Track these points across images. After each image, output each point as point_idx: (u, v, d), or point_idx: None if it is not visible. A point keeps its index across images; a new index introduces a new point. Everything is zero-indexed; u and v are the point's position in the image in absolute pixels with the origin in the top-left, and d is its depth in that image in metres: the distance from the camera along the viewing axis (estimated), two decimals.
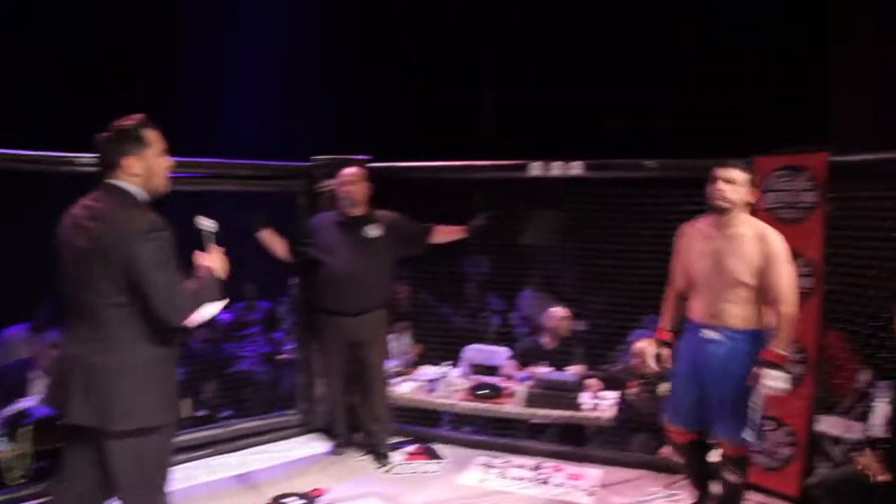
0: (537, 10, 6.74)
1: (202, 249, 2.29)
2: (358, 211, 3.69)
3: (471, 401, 4.02)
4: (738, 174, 2.82)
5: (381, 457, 3.75)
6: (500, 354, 4.71)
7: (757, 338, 2.85)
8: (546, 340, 4.50)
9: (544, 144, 4.13)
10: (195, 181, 3.56)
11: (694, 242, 2.98)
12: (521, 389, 4.00)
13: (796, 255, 3.35)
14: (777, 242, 2.80)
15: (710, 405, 2.91)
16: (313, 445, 3.94)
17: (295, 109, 6.84)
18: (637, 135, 5.67)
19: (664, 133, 5.96)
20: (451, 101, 6.94)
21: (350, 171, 3.67)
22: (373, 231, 3.70)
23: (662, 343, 3.12)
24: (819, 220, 3.30)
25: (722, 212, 2.84)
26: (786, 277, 2.80)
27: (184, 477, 3.31)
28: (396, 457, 3.81)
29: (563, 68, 6.59)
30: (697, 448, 3.10)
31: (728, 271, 2.83)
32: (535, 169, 3.72)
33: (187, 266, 2.23)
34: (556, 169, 3.69)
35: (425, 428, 4.15)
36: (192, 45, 6.56)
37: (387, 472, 3.66)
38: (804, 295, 3.31)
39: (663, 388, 4.06)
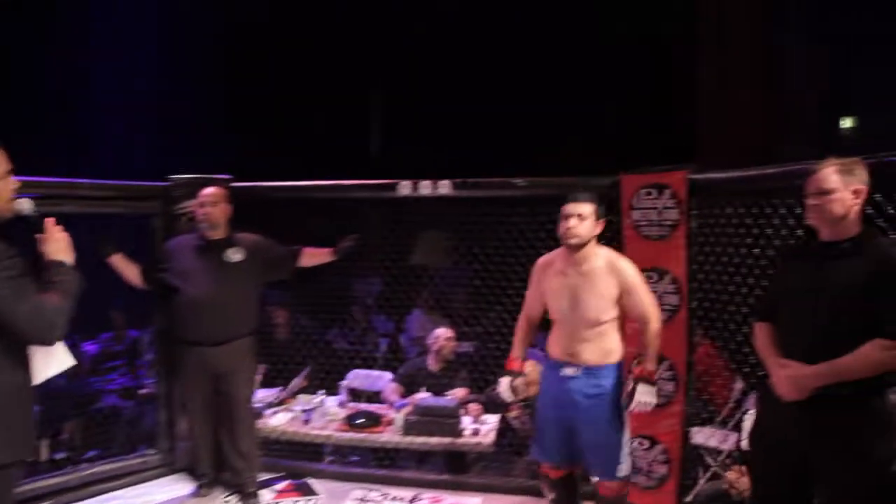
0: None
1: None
2: (218, 234, 3.47)
3: (346, 431, 3.84)
4: (586, 208, 2.79)
5: (247, 497, 3.50)
6: (383, 379, 4.56)
7: (618, 371, 2.84)
8: (430, 363, 4.37)
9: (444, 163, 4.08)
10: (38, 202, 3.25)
11: (549, 279, 2.94)
12: (398, 417, 3.84)
13: (662, 272, 3.39)
14: (629, 270, 2.82)
15: (579, 443, 2.86)
16: (176, 487, 3.64)
17: (167, 128, 6.53)
18: (514, 151, 5.69)
19: (542, 149, 6.00)
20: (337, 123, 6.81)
21: (209, 191, 3.45)
22: (234, 255, 3.47)
23: (516, 374, 3.04)
24: (682, 237, 3.33)
25: (574, 249, 2.81)
26: (646, 298, 2.81)
27: None
28: (266, 495, 3.58)
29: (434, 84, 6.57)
30: (568, 483, 3.03)
31: (585, 309, 2.80)
32: (405, 188, 3.61)
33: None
34: (425, 188, 3.58)
35: (302, 462, 3.93)
36: (56, 60, 6.14)
37: None
38: (670, 312, 3.35)
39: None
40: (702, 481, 3.91)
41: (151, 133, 6.85)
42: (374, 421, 3.90)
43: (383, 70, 7.22)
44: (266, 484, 3.70)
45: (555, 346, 2.91)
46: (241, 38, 6.90)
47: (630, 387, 2.77)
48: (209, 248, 3.45)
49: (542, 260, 3.02)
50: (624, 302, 2.79)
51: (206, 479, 3.62)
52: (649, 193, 3.38)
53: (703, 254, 3.32)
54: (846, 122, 6.28)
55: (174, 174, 3.77)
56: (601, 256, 2.83)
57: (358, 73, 7.23)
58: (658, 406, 3.38)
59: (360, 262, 4.13)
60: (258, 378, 4.57)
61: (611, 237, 3.50)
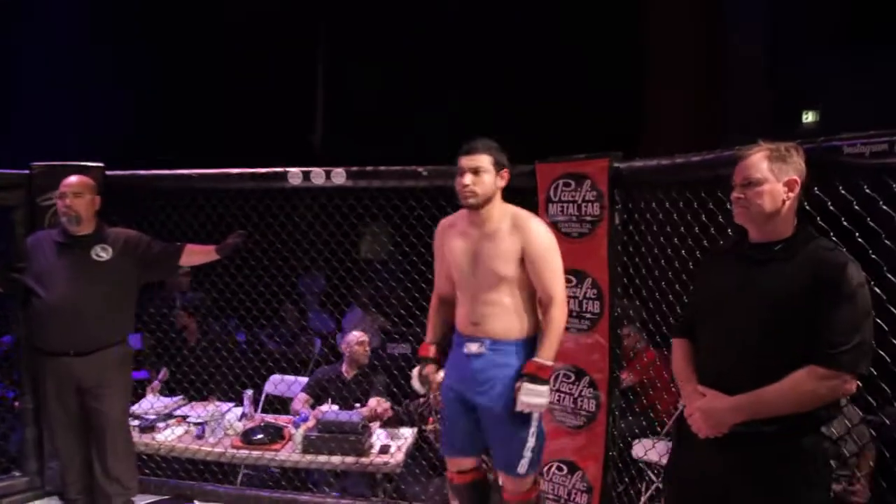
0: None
1: None
2: (83, 229, 3.04)
3: (241, 448, 3.45)
4: (483, 160, 2.39)
5: None
6: (300, 387, 4.17)
7: (528, 349, 2.42)
8: (345, 369, 3.98)
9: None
10: None
11: (450, 241, 2.54)
12: (298, 433, 3.45)
13: (582, 275, 2.99)
14: (537, 231, 2.40)
15: (484, 431, 2.47)
16: None
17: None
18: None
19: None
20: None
21: (70, 180, 3.01)
22: (101, 253, 3.06)
23: (427, 360, 2.64)
24: (604, 235, 2.92)
25: (475, 208, 2.41)
26: (551, 272, 2.40)
27: None
28: None
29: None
30: (477, 489, 2.64)
31: (487, 272, 2.40)
32: (295, 178, 3.19)
33: None
34: (318, 177, 3.17)
35: (195, 483, 3.53)
36: None
37: None
38: (591, 321, 2.95)
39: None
40: (644, 498, 3.57)
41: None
42: (275, 436, 3.52)
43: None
44: None
45: (459, 316, 2.55)
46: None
47: (518, 381, 2.36)
48: (72, 246, 3.03)
49: (443, 222, 2.63)
50: (528, 270, 2.40)
51: None
52: (567, 185, 2.97)
53: (634, 255, 2.93)
54: (808, 116, 5.84)
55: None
56: (508, 214, 2.42)
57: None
58: (577, 427, 3.03)
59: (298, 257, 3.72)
60: (156, 385, 4.20)
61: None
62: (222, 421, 3.63)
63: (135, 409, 3.86)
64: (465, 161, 2.40)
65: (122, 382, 3.14)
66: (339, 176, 3.11)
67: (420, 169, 3.12)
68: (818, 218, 2.05)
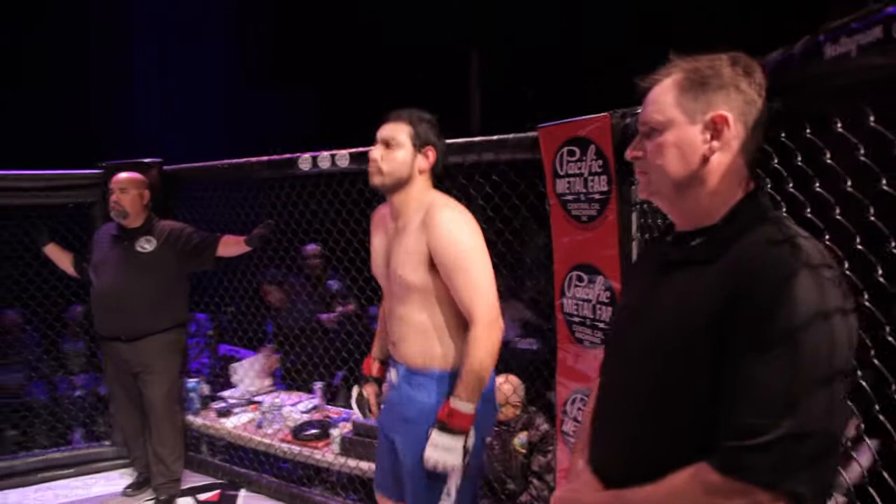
0: None
1: None
2: (132, 222, 3.23)
3: (288, 442, 3.39)
4: (400, 130, 1.92)
5: (160, 502, 3.27)
6: None
7: (450, 383, 1.88)
8: None
9: None
10: None
11: (373, 237, 2.11)
12: (335, 433, 3.28)
13: (592, 271, 2.30)
14: (442, 224, 1.83)
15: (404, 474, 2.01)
16: (116, 482, 3.55)
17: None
18: None
19: None
20: None
21: (118, 177, 3.21)
22: (146, 245, 3.22)
23: (367, 379, 2.24)
24: (615, 218, 2.20)
25: (385, 192, 1.96)
26: (465, 279, 1.82)
27: None
28: (183, 503, 3.31)
29: None
30: None
31: (395, 278, 1.93)
32: (305, 163, 2.98)
33: None
34: (325, 162, 2.92)
35: (250, 471, 3.55)
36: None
37: None
38: (606, 336, 2.25)
39: (518, 441, 3.13)
40: None
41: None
42: (322, 434, 3.39)
43: None
44: (195, 490, 3.44)
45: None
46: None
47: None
48: (122, 238, 3.24)
49: (377, 211, 2.16)
50: (445, 280, 1.86)
51: (138, 479, 3.47)
52: (572, 153, 2.30)
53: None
54: None
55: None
56: (425, 204, 1.90)
57: None
58: None
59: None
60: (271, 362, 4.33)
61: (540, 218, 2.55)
62: (280, 412, 3.61)
63: (228, 393, 4.07)
64: (379, 131, 1.96)
65: (167, 368, 3.29)
66: (343, 159, 2.83)
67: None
68: (791, 184, 1.23)
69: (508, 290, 5.51)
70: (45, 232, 3.41)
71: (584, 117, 2.24)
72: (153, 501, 3.28)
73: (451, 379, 1.88)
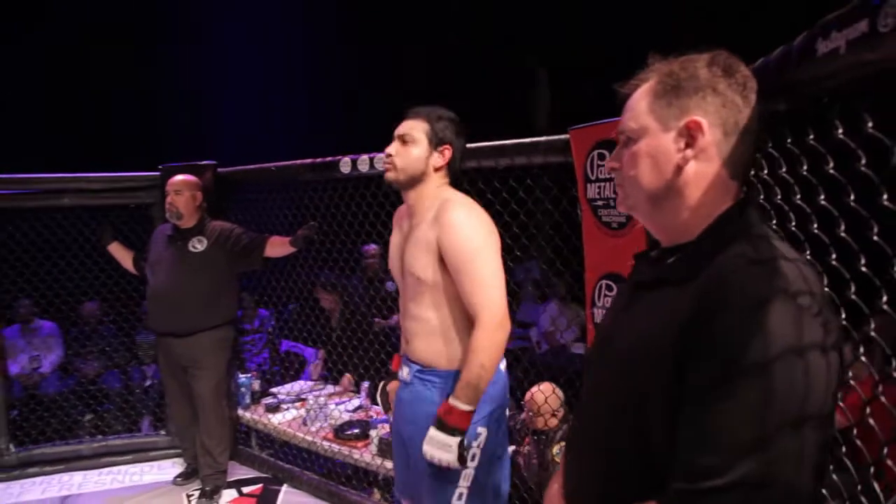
0: None
1: None
2: (185, 223, 3.36)
3: (330, 440, 3.43)
4: (416, 127, 1.91)
5: (204, 494, 3.37)
6: None
7: (456, 382, 1.85)
8: None
9: None
10: (33, 198, 3.60)
11: (392, 235, 2.10)
12: (373, 434, 3.29)
13: (620, 281, 2.19)
14: (452, 221, 1.80)
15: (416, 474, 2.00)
16: (169, 471, 3.70)
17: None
18: None
19: None
20: None
21: (173, 180, 3.35)
22: (198, 245, 3.34)
23: (392, 376, 2.23)
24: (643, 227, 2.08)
25: (399, 188, 1.96)
26: (471, 277, 1.79)
27: (14, 492, 3.35)
28: (227, 496, 3.41)
29: None
30: None
31: (407, 275, 1.92)
32: (345, 166, 3.00)
33: None
34: (364, 165, 2.93)
35: (294, 467, 3.62)
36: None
37: None
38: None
39: (556, 450, 3.04)
40: None
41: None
42: (363, 435, 3.42)
43: None
44: (240, 483, 3.54)
45: None
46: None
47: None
48: (176, 238, 3.37)
49: (398, 210, 2.15)
50: (454, 278, 1.84)
51: (187, 469, 3.61)
52: (602, 157, 2.21)
53: None
54: None
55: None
56: (438, 201, 1.88)
57: None
58: None
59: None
60: (317, 365, 4.41)
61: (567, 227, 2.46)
62: (327, 410, 3.66)
63: (279, 389, 4.18)
64: (398, 128, 1.95)
65: (215, 364, 3.40)
66: (380, 162, 2.83)
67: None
68: (798, 195, 1.12)
69: (569, 292, 5.41)
70: (108, 231, 3.60)
71: (615, 118, 2.14)
72: (199, 492, 3.39)
73: (456, 376, 1.85)
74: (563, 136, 2.36)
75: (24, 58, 5.98)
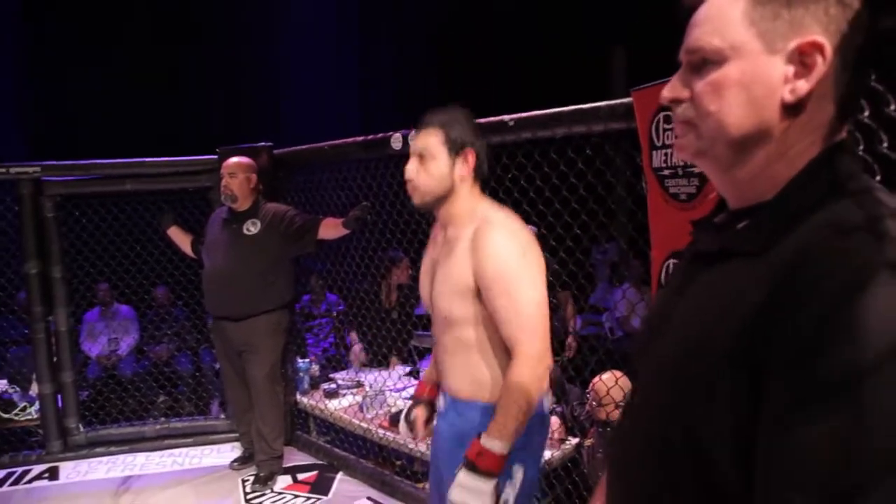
0: None
1: None
2: (240, 206, 3.31)
3: (385, 428, 3.31)
4: (431, 140, 1.70)
5: (259, 480, 3.33)
6: None
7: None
8: None
9: None
10: (96, 183, 3.65)
11: (427, 250, 1.92)
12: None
13: None
14: (490, 245, 1.61)
15: None
16: (226, 455, 3.69)
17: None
18: None
19: None
20: None
21: (227, 163, 3.30)
22: (252, 227, 3.29)
23: (417, 402, 2.02)
24: (717, 196, 1.81)
25: (428, 209, 1.77)
26: (508, 306, 1.60)
27: (81, 470, 3.43)
28: (282, 482, 3.35)
29: None
30: None
31: (436, 298, 1.74)
32: (396, 142, 2.84)
33: None
34: (397, 142, 2.78)
35: (347, 454, 3.53)
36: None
37: (250, 499, 3.23)
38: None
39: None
40: None
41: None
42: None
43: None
44: (296, 469, 3.48)
45: None
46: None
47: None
48: (231, 221, 3.33)
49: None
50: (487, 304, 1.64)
51: (244, 454, 3.58)
52: (670, 120, 1.95)
53: None
54: None
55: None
56: (476, 217, 1.69)
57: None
58: None
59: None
60: (357, 352, 4.32)
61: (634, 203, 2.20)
62: (383, 397, 3.55)
63: (339, 374, 4.11)
64: (412, 145, 1.76)
65: (269, 348, 3.34)
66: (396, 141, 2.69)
67: (507, 118, 2.44)
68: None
69: (641, 276, 5.10)
70: (168, 215, 3.61)
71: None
72: (254, 477, 3.36)
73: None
74: (625, 101, 2.11)
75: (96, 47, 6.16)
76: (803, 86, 0.69)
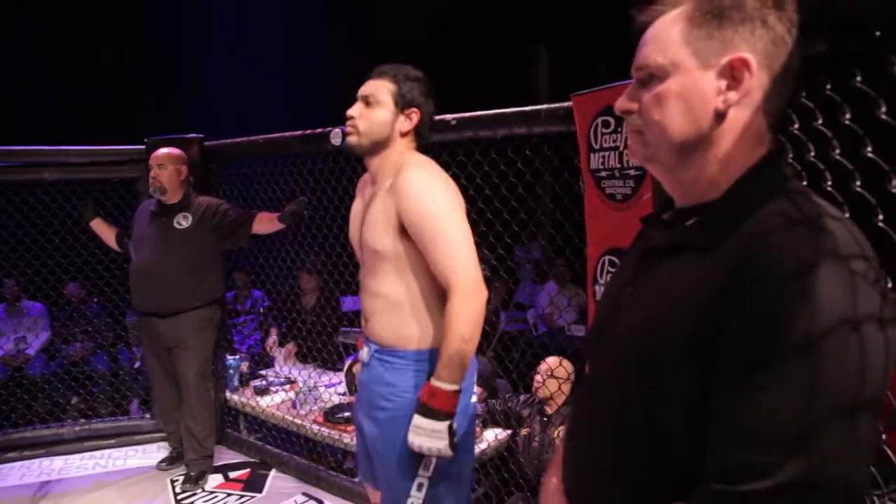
0: None
1: None
2: (169, 198, 3.21)
3: (319, 424, 3.31)
4: (381, 87, 1.75)
5: (189, 479, 3.25)
6: None
7: (427, 364, 1.71)
8: None
9: None
10: (13, 171, 3.45)
11: (354, 203, 1.93)
12: None
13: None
14: (409, 183, 1.66)
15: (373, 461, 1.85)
16: (153, 455, 3.58)
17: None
18: None
19: None
20: None
21: (157, 153, 3.20)
22: (183, 221, 3.20)
23: (359, 358, 2.07)
24: (650, 198, 1.95)
25: (360, 153, 1.80)
26: (437, 242, 1.63)
27: None
28: (211, 482, 3.29)
29: None
30: None
31: (365, 246, 1.77)
32: (336, 138, 2.84)
33: None
34: (336, 138, 2.79)
35: (283, 451, 3.50)
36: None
37: (181, 499, 3.15)
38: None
39: (559, 433, 2.93)
40: None
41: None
42: (354, 418, 3.29)
43: None
44: (227, 468, 3.42)
45: None
46: None
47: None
48: (160, 214, 3.23)
49: (362, 178, 1.97)
50: (418, 248, 1.68)
51: (171, 454, 3.49)
52: (607, 124, 2.06)
53: None
54: None
55: None
56: (402, 166, 1.72)
57: None
58: None
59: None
60: (273, 338, 4.28)
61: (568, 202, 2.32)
62: (317, 393, 3.54)
63: (268, 371, 4.06)
64: (362, 88, 1.79)
65: (199, 344, 3.26)
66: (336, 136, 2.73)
67: (449, 117, 2.50)
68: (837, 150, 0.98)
69: (570, 272, 5.29)
70: (90, 206, 3.45)
71: (620, 83, 1.99)
72: (184, 476, 3.27)
73: (430, 358, 1.70)
74: (565, 104, 2.22)
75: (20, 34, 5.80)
76: (733, 97, 0.80)
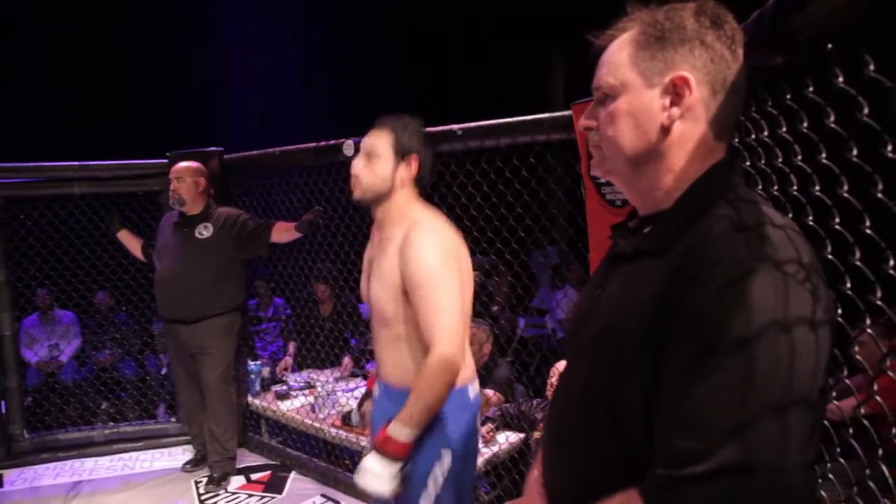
0: None
1: None
2: (190, 209, 3.34)
3: (337, 427, 3.40)
4: (380, 141, 1.83)
5: (212, 481, 3.37)
6: None
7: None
8: None
9: None
10: (44, 186, 3.61)
11: (367, 247, 2.02)
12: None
13: None
14: (415, 247, 1.73)
15: None
16: (178, 458, 3.71)
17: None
18: None
19: None
20: None
21: (176, 167, 3.34)
22: (204, 231, 3.33)
23: (369, 395, 2.17)
24: None
25: (369, 206, 1.88)
26: (427, 305, 1.71)
27: (27, 477, 3.38)
28: (233, 483, 3.40)
29: None
30: None
31: (372, 295, 1.86)
32: (348, 149, 2.95)
33: None
34: (348, 149, 2.89)
35: (301, 454, 3.61)
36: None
37: (205, 499, 3.27)
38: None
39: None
40: None
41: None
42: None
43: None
44: (249, 470, 3.53)
45: None
46: None
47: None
48: (182, 225, 3.36)
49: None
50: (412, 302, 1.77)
51: (196, 456, 3.61)
52: None
53: None
54: None
55: None
56: (407, 220, 1.80)
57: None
58: None
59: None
60: (288, 359, 4.38)
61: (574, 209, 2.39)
62: (335, 398, 3.63)
63: (289, 376, 4.17)
64: (363, 140, 1.87)
65: (222, 350, 3.38)
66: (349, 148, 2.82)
67: (455, 128, 2.59)
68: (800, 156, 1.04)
69: (581, 278, 5.32)
70: (116, 218, 3.60)
71: None
72: (208, 478, 3.39)
73: None
74: (566, 113, 2.29)
75: (34, 45, 6.03)
76: (676, 112, 0.86)
